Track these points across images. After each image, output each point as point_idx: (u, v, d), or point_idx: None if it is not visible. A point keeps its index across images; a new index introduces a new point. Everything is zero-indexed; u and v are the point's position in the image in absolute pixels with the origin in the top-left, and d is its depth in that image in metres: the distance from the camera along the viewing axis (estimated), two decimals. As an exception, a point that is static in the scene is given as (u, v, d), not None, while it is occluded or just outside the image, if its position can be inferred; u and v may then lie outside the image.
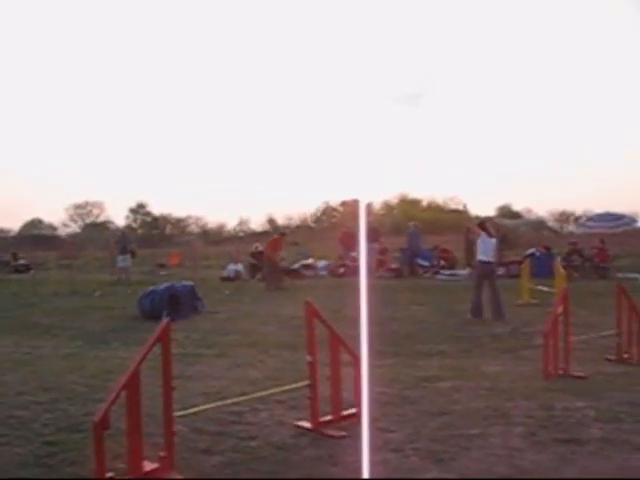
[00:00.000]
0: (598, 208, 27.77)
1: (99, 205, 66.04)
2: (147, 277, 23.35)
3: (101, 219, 66.18)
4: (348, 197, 49.47)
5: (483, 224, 12.91)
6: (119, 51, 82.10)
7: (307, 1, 60.64)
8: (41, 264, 32.55)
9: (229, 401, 6.04)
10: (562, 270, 13.28)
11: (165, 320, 4.73)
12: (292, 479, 4.53)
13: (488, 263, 12.47)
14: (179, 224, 67.54)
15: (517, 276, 17.43)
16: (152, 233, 61.59)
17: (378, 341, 8.50)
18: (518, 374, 7.53)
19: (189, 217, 66.79)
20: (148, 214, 66.82)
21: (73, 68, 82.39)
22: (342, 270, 22.86)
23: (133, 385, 4.37)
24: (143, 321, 12.41)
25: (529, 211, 57.30)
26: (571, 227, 46.92)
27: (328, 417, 5.59)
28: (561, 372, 7.39)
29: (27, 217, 62.64)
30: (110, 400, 4.23)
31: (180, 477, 4.50)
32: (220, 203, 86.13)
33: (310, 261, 25.01)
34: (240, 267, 23.88)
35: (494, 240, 12.65)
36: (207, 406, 5.83)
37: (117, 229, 49.84)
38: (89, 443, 4.32)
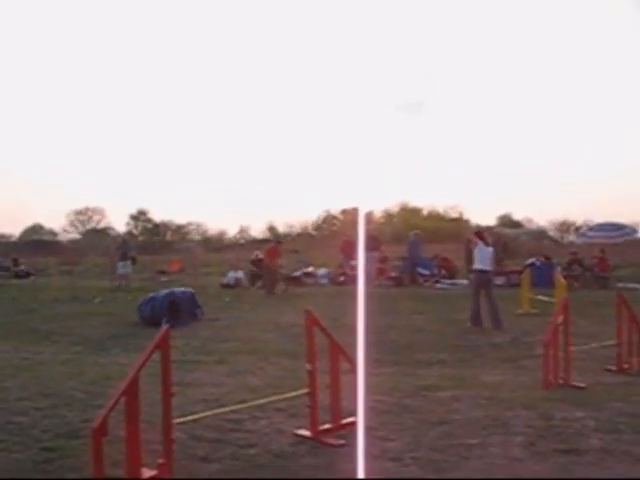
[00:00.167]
0: (599, 218, 27.81)
1: (100, 211, 66.14)
2: (147, 284, 23.33)
3: (102, 225, 66.26)
4: (349, 205, 49.55)
5: (480, 233, 12.92)
6: (121, 57, 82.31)
7: (311, 10, 60.82)
8: (41, 270, 32.53)
9: (228, 408, 6.03)
10: (562, 280, 13.27)
11: (165, 327, 4.73)
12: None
13: (485, 272, 12.48)
14: (180, 231, 67.57)
15: (517, 285, 17.41)
16: (153, 240, 61.56)
17: (378, 349, 8.51)
18: (518, 384, 7.52)
19: (190, 224, 66.88)
20: (149, 221, 66.89)
21: (75, 74, 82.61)
22: (342, 278, 22.84)
23: (132, 392, 4.36)
24: (143, 328, 12.40)
25: (530, 221, 57.34)
26: (571, 237, 46.90)
27: (327, 425, 5.58)
28: (561, 382, 7.38)
29: (28, 223, 62.76)
30: (109, 406, 4.23)
31: (178, 484, 4.49)
32: (221, 210, 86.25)
33: (310, 269, 24.99)
34: (240, 274, 23.87)
35: (491, 249, 12.67)
36: (206, 413, 5.83)
37: (118, 235, 49.86)
38: (88, 449, 4.32)
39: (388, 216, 61.86)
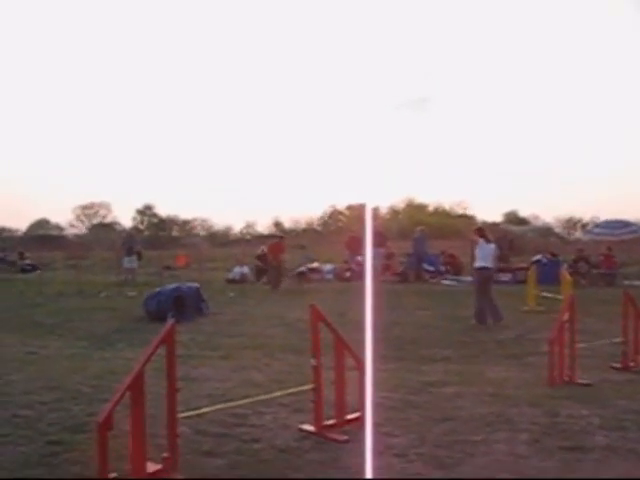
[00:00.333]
0: (605, 215, 27.73)
1: (106, 206, 66.19)
2: (153, 278, 23.37)
3: (108, 220, 66.30)
4: (354, 201, 49.52)
5: (481, 230, 12.91)
6: (127, 53, 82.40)
7: (316, 8, 60.73)
8: (47, 264, 32.61)
9: (233, 403, 6.03)
10: (568, 277, 13.24)
11: (170, 322, 4.73)
12: (295, 482, 4.53)
13: (487, 269, 12.49)
14: (186, 226, 67.60)
15: (523, 282, 17.38)
16: (158, 235, 61.62)
17: (383, 345, 8.48)
18: (523, 380, 7.51)
19: (196, 219, 66.91)
20: (155, 216, 66.94)
21: (81, 69, 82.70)
22: (348, 274, 22.85)
23: (137, 386, 4.37)
24: (148, 322, 12.43)
25: (536, 217, 57.22)
26: (578, 234, 46.83)
27: (332, 421, 5.59)
28: (566, 379, 7.36)
29: (34, 217, 62.83)
30: (114, 401, 4.24)
31: (183, 478, 4.50)
32: (227, 205, 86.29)
33: (316, 265, 25.00)
34: (246, 270, 23.91)
35: (492, 245, 12.66)
36: (211, 408, 5.83)
37: (124, 230, 49.94)
38: (93, 443, 4.33)
39: (394, 212, 61.84)
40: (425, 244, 23.89)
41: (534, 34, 70.99)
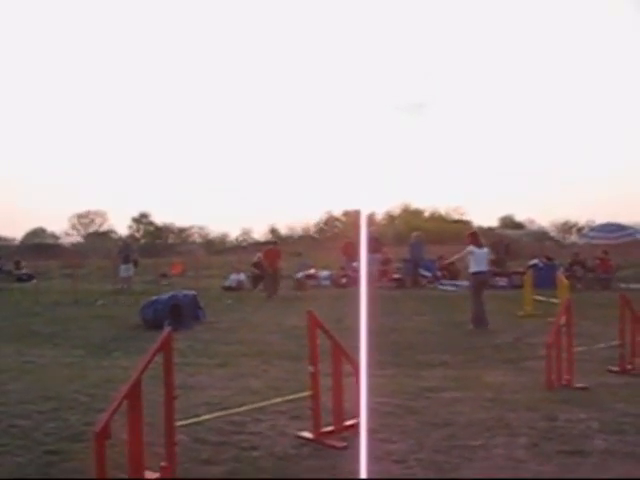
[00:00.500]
0: (601, 218, 27.75)
1: (102, 214, 66.11)
2: (150, 287, 23.34)
3: (104, 228, 66.20)
4: (350, 207, 49.55)
5: (474, 234, 12.95)
6: (122, 61, 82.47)
7: (312, 11, 60.88)
8: (44, 273, 32.57)
9: (231, 411, 6.02)
10: (565, 281, 13.26)
11: (167, 330, 4.72)
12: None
13: (482, 273, 12.56)
14: (182, 234, 67.54)
15: (519, 287, 17.41)
16: (155, 242, 61.57)
17: (380, 351, 8.49)
18: (521, 385, 7.51)
19: (192, 227, 66.85)
20: (151, 224, 66.86)
21: (76, 77, 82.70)
22: (344, 280, 22.85)
23: (135, 394, 4.36)
24: (145, 330, 12.41)
25: (532, 222, 57.33)
26: (574, 238, 46.84)
27: (330, 428, 5.57)
28: (564, 383, 7.36)
29: (30, 226, 62.74)
30: (111, 409, 4.23)
31: (181, 487, 4.49)
32: (223, 213, 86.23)
33: (312, 271, 25.00)
34: (242, 277, 23.90)
35: (485, 249, 12.75)
36: (209, 416, 5.82)
37: (120, 238, 49.88)
38: (90, 452, 4.31)
39: (390, 218, 61.91)
40: (421, 249, 23.93)
41: (531, 35, 71.32)
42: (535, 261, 23.38)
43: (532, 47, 73.16)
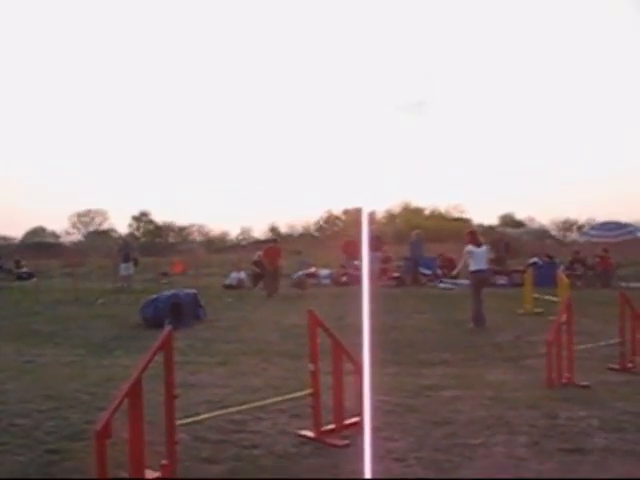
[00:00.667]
0: (601, 217, 27.73)
1: (102, 213, 66.10)
2: (150, 285, 23.35)
3: (104, 227, 66.18)
4: (351, 205, 49.56)
5: (472, 233, 12.95)
6: (122, 60, 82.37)
7: (313, 10, 60.84)
8: (44, 272, 32.58)
9: (231, 409, 6.02)
10: (565, 279, 13.26)
11: (168, 328, 4.72)
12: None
13: (482, 271, 12.57)
14: (182, 232, 67.53)
15: (520, 285, 17.41)
16: (155, 241, 61.56)
17: (380, 350, 8.49)
18: (521, 383, 7.51)
19: (192, 225, 66.81)
20: (151, 222, 66.83)
21: (76, 76, 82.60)
22: (345, 278, 22.86)
23: (135, 393, 4.36)
24: (146, 329, 12.41)
25: (532, 220, 57.24)
26: (574, 236, 46.80)
27: (331, 426, 5.58)
28: (564, 381, 7.37)
29: (30, 225, 62.74)
30: (112, 408, 4.22)
31: (182, 486, 4.49)
32: (223, 211, 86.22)
33: (313, 270, 24.99)
34: (243, 275, 23.90)
35: (484, 248, 12.75)
36: (209, 414, 5.81)
37: (120, 237, 49.81)
38: (91, 451, 4.31)
39: (390, 216, 61.84)
40: (421, 248, 23.92)
41: (531, 35, 71.16)
42: (535, 259, 23.37)
43: (532, 47, 73.05)
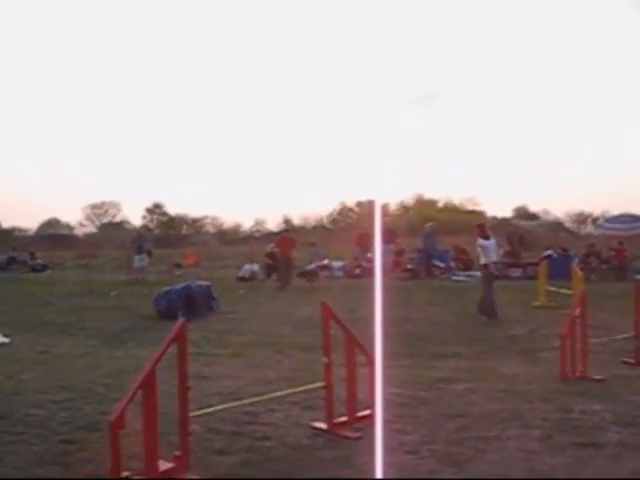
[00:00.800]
0: (616, 209, 27.55)
1: (116, 205, 66.31)
2: (163, 277, 23.43)
3: (118, 219, 66.39)
4: (364, 198, 49.48)
5: (481, 226, 12.92)
6: (134, 52, 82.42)
7: (326, 4, 60.70)
8: (58, 263, 32.73)
9: (244, 401, 6.04)
10: (579, 272, 13.19)
11: (181, 320, 4.73)
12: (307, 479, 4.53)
13: (494, 263, 12.57)
14: (195, 224, 67.66)
15: (534, 278, 17.34)
16: (168, 233, 61.68)
17: (394, 342, 8.47)
18: (535, 376, 7.48)
19: (205, 217, 66.92)
20: (164, 214, 66.98)
21: (90, 69, 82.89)
22: (358, 271, 22.84)
23: (149, 385, 4.38)
24: (159, 321, 12.46)
25: (546, 212, 56.89)
26: (589, 228, 46.50)
27: (343, 418, 5.58)
28: (578, 375, 7.34)
29: (44, 217, 63.01)
30: (126, 399, 4.25)
31: (195, 477, 4.51)
32: (236, 203, 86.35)
33: (326, 262, 24.98)
34: (256, 267, 23.91)
35: (493, 241, 12.74)
36: (222, 406, 5.83)
37: (133, 229, 49.90)
38: (105, 442, 4.34)
39: (403, 208, 61.68)
40: (435, 240, 23.84)
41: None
42: (550, 252, 23.25)
43: (548, 42, 72.46)
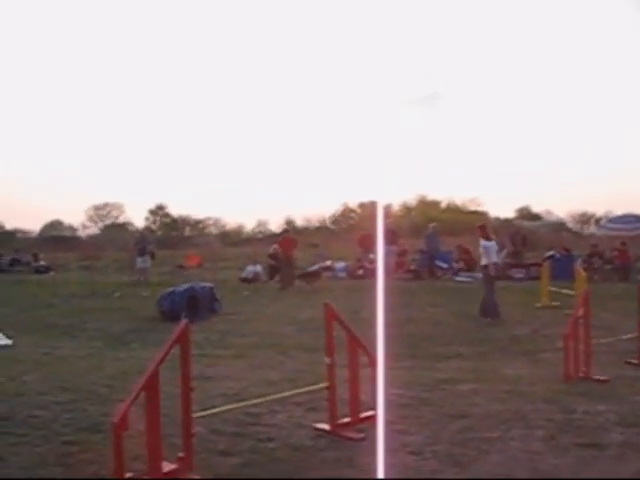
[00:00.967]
0: (619, 209, 27.50)
1: (119, 206, 66.33)
2: (166, 278, 23.44)
3: (121, 220, 66.40)
4: (366, 199, 49.43)
5: (483, 227, 12.93)
6: (136, 55, 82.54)
7: (329, 5, 60.72)
8: (61, 265, 32.76)
9: (247, 402, 6.04)
10: (582, 272, 13.18)
11: (184, 321, 4.73)
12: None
13: (494, 264, 12.59)
14: (198, 225, 67.69)
15: (537, 278, 17.31)
16: (171, 234, 61.72)
17: (396, 343, 8.47)
18: (538, 377, 7.48)
19: (208, 218, 66.94)
20: (167, 215, 67.02)
21: (92, 71, 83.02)
22: (361, 272, 22.81)
23: (152, 386, 4.38)
24: (162, 322, 12.46)
25: (549, 213, 56.78)
26: (592, 229, 46.41)
27: (346, 419, 5.58)
28: (582, 375, 7.33)
29: (47, 218, 63.06)
30: (129, 401, 4.25)
31: (198, 478, 4.51)
32: (239, 204, 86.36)
33: (328, 263, 24.96)
34: (259, 268, 23.91)
35: (494, 242, 12.78)
36: (225, 407, 5.84)
37: (136, 230, 49.94)
38: (108, 443, 4.34)
39: (406, 209, 61.64)
40: (438, 241, 23.83)
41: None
42: (552, 252, 23.23)
43: (551, 43, 72.42)
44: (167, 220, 67.19)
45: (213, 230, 67.06)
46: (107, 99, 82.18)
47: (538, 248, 27.28)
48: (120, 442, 4.13)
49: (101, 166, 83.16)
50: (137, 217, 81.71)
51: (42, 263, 31.90)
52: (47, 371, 8.16)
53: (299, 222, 61.92)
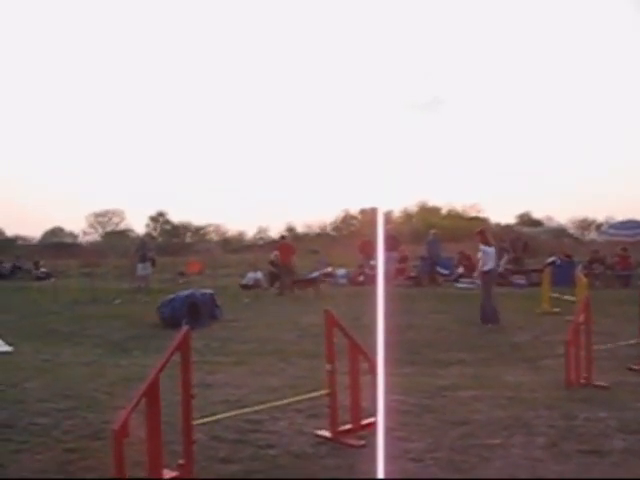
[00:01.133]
0: (620, 215, 27.50)
1: (119, 213, 66.41)
2: (167, 285, 23.43)
3: (121, 227, 66.47)
4: (367, 205, 49.44)
5: (483, 232, 12.94)
6: (136, 61, 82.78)
7: (328, 10, 60.87)
8: (62, 272, 32.74)
9: (248, 409, 6.03)
10: (583, 278, 13.17)
11: (185, 328, 4.73)
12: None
13: (493, 270, 12.63)
14: (199, 232, 67.74)
15: (538, 284, 17.29)
16: (172, 241, 61.77)
17: (397, 349, 8.47)
18: (539, 383, 7.46)
19: (209, 225, 67.02)
20: (168, 222, 67.10)
21: (92, 77, 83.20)
22: (362, 278, 22.79)
23: (153, 393, 4.38)
24: (163, 329, 12.46)
25: (550, 219, 56.79)
26: (593, 235, 46.39)
27: (347, 426, 5.57)
28: (583, 382, 7.31)
29: (48, 225, 63.15)
30: (130, 408, 4.25)
31: (199, 485, 4.50)
32: (240, 211, 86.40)
33: (329, 269, 24.94)
34: (259, 275, 23.89)
35: (493, 248, 12.79)
36: (226, 414, 5.83)
37: (137, 237, 49.96)
38: (109, 450, 4.33)
39: (407, 216, 61.68)
40: (438, 247, 23.81)
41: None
42: (553, 258, 23.18)
43: (552, 50, 72.56)
44: (168, 227, 67.27)
45: (214, 237, 67.13)
46: (108, 106, 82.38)
47: (539, 254, 27.23)
48: (121, 449, 4.13)
49: (102, 173, 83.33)
50: (138, 224, 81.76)
51: (43, 270, 31.87)
52: (48, 378, 8.15)
53: (300, 228, 62.04)
